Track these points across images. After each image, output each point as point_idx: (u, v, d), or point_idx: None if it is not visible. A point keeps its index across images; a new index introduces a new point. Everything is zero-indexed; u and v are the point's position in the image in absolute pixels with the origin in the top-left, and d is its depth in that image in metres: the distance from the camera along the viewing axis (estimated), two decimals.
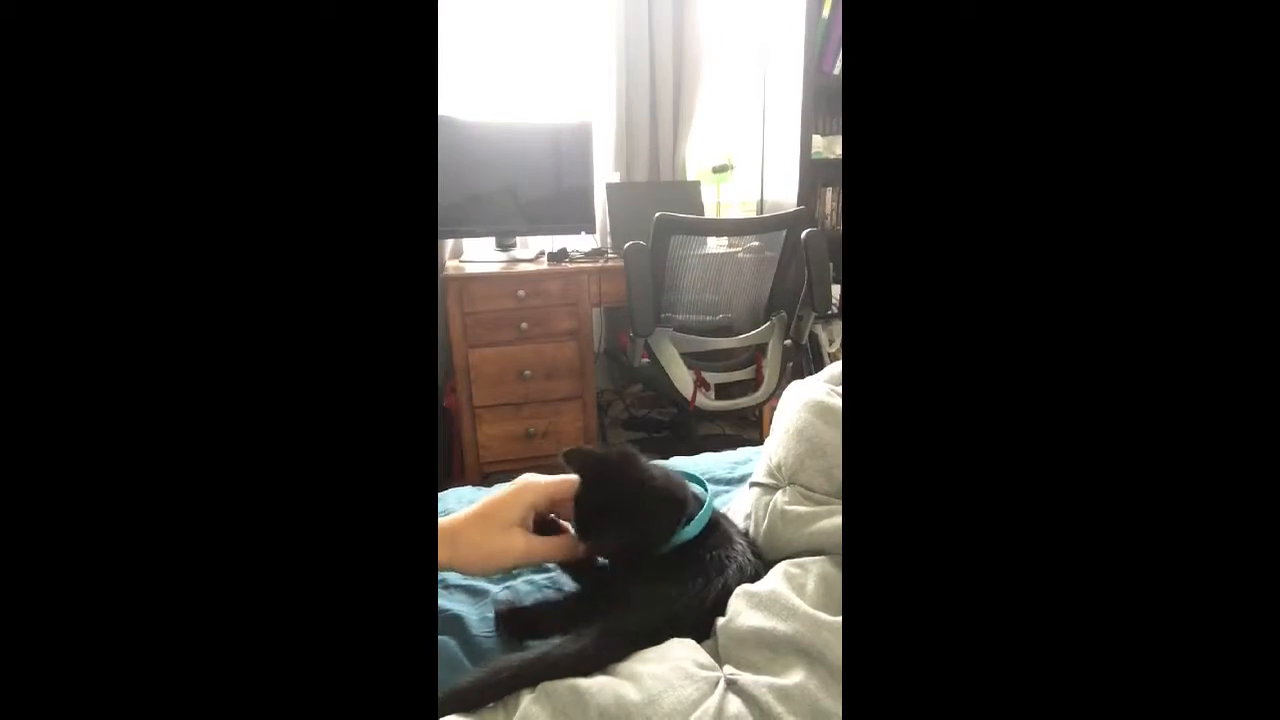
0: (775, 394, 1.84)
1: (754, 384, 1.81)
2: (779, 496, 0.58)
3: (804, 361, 2.35)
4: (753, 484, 0.62)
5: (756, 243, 1.81)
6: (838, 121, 2.42)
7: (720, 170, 2.25)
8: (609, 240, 2.14)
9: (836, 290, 2.05)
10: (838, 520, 0.53)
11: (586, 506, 0.54)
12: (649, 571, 0.51)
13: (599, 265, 1.96)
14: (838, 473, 0.56)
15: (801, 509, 0.56)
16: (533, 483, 0.55)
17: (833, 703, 0.42)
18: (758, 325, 1.78)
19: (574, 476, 0.55)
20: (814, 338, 2.01)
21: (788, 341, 1.81)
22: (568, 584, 0.59)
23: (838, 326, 2.55)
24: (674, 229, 1.54)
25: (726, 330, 1.75)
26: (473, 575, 0.60)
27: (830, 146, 2.40)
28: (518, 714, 0.41)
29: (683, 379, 1.67)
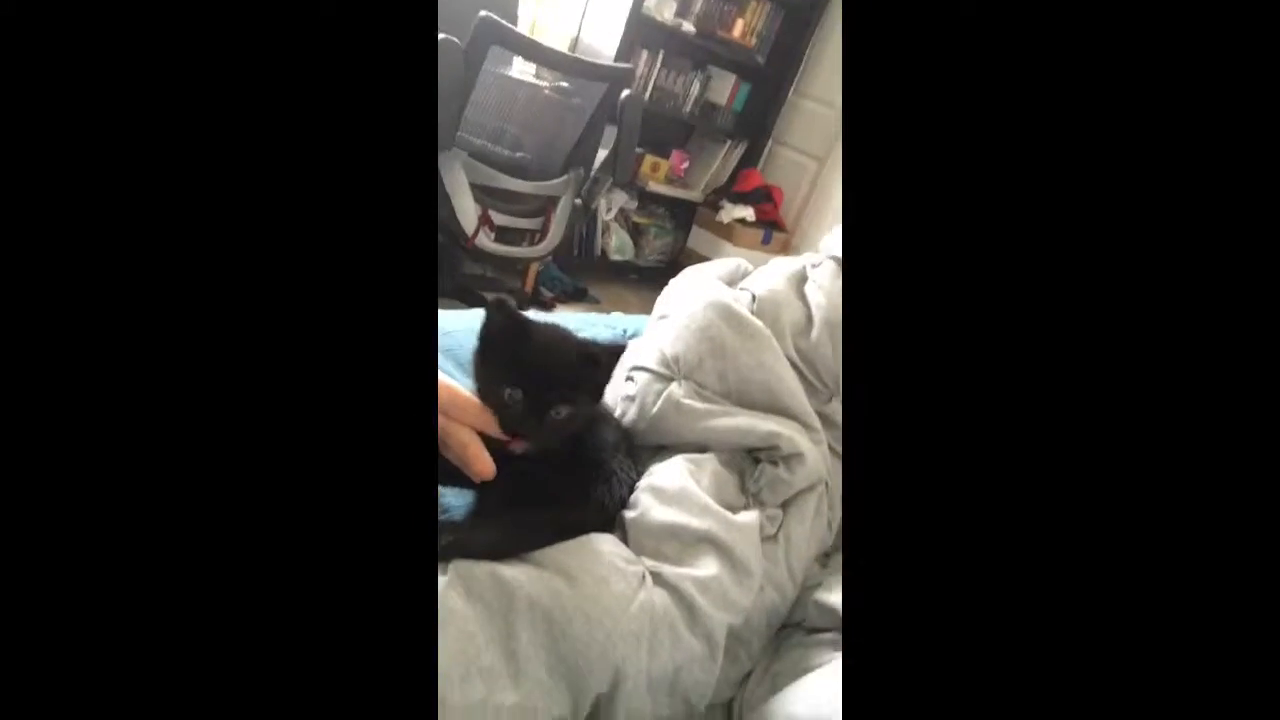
0: (556, 252, 1.81)
1: (537, 236, 1.72)
2: (675, 388, 0.59)
3: (582, 226, 2.32)
4: (639, 368, 0.61)
5: (566, 85, 1.66)
6: None
7: None
8: None
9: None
10: (729, 421, 0.56)
11: (529, 380, 0.42)
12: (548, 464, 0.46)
13: None
14: (731, 375, 0.59)
15: (696, 404, 0.58)
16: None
17: (739, 593, 0.45)
18: (551, 175, 1.67)
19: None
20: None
21: (579, 200, 1.74)
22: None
23: (617, 196, 2.55)
24: (497, 38, 1.31)
25: (520, 171, 1.61)
26: None
27: (662, 9, 2.26)
28: None
29: (468, 212, 1.50)
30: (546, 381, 0.43)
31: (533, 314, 0.50)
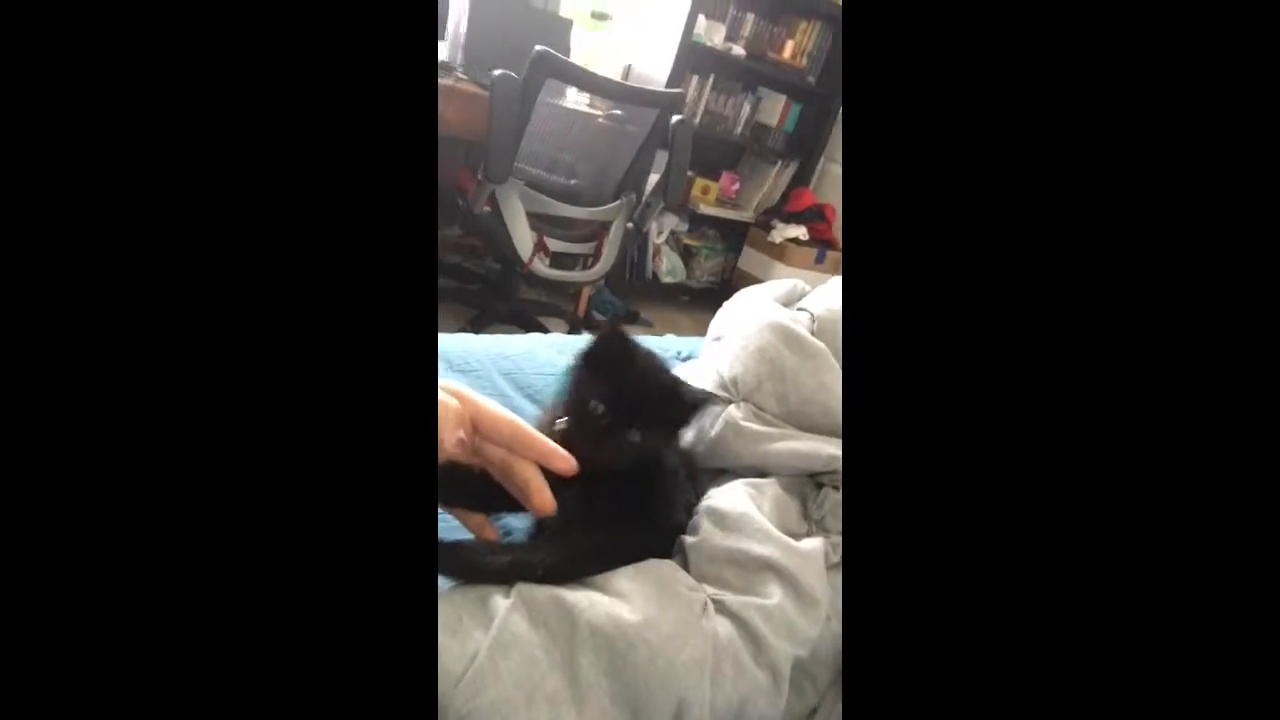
0: (608, 275, 1.82)
1: (590, 260, 1.76)
2: (734, 410, 0.58)
3: (633, 249, 2.32)
4: None
5: (619, 112, 1.70)
6: (728, 7, 2.31)
7: (599, 18, 2.05)
8: (460, 56, 1.86)
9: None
10: (790, 445, 0.55)
11: (618, 399, 0.44)
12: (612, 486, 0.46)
13: (448, 83, 1.67)
14: (792, 397, 0.58)
15: (756, 427, 0.57)
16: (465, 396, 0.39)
17: (804, 624, 0.43)
18: (604, 201, 1.70)
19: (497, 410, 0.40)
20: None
21: (630, 224, 1.76)
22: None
23: (668, 219, 2.55)
24: (552, 71, 1.36)
25: (573, 198, 1.65)
26: None
27: (711, 34, 2.29)
28: (496, 625, 0.37)
29: (524, 239, 1.56)
30: (633, 405, 0.44)
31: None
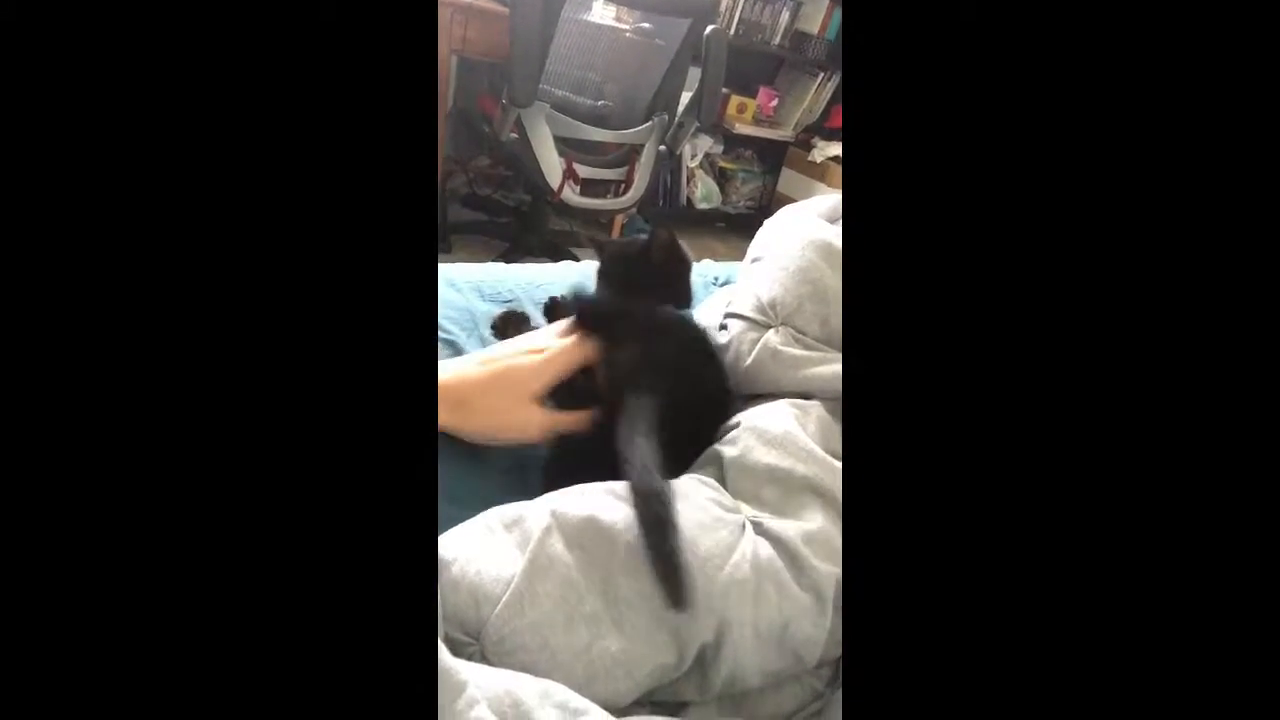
0: (641, 201, 1.76)
1: (622, 187, 1.69)
2: (771, 335, 0.56)
3: (666, 174, 2.21)
4: (733, 315, 0.58)
5: (648, 25, 1.60)
6: None
7: None
8: None
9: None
10: (833, 368, 0.53)
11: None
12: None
13: (467, 0, 1.57)
14: (835, 320, 0.55)
15: (796, 351, 0.55)
16: (569, 352, 0.51)
17: None
18: (634, 122, 1.62)
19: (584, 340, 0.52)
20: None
21: (663, 147, 1.68)
22: None
23: (702, 141, 2.42)
24: None
25: (602, 120, 1.58)
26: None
27: None
28: (532, 548, 0.38)
29: (552, 165, 1.51)
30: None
31: None
